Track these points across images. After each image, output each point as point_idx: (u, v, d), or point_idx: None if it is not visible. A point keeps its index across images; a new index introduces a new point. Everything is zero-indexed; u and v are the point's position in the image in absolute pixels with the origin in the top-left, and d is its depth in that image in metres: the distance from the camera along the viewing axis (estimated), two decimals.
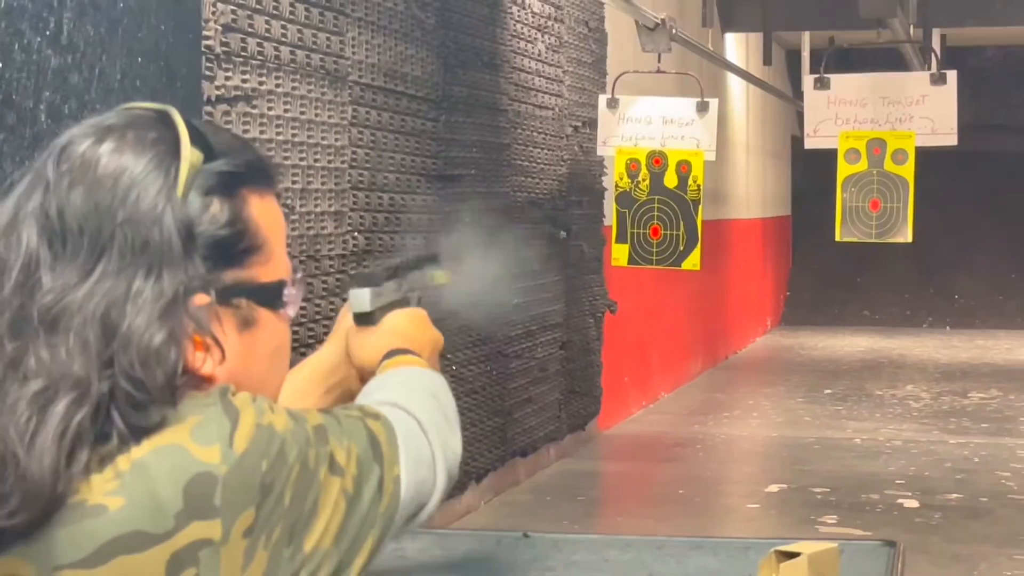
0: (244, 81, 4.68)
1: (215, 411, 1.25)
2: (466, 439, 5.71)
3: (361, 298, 1.78)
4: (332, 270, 5.33)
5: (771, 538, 1.97)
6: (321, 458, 1.29)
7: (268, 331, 1.36)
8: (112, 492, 1.21)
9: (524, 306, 7.60)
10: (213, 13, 4.47)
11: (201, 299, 1.27)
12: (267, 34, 4.83)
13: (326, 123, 5.30)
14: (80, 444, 1.21)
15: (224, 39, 4.53)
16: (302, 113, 5.10)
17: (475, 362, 6.95)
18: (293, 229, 5.02)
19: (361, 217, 5.62)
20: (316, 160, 5.21)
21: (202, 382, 1.28)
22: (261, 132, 4.79)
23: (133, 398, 1.22)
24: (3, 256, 1.27)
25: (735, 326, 14.34)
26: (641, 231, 7.88)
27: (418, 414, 1.48)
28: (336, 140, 5.39)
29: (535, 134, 7.83)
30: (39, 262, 1.25)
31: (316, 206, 5.22)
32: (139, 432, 1.23)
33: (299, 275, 1.41)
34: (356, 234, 5.56)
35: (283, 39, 4.95)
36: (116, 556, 1.21)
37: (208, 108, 4.45)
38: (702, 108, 7.85)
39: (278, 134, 4.91)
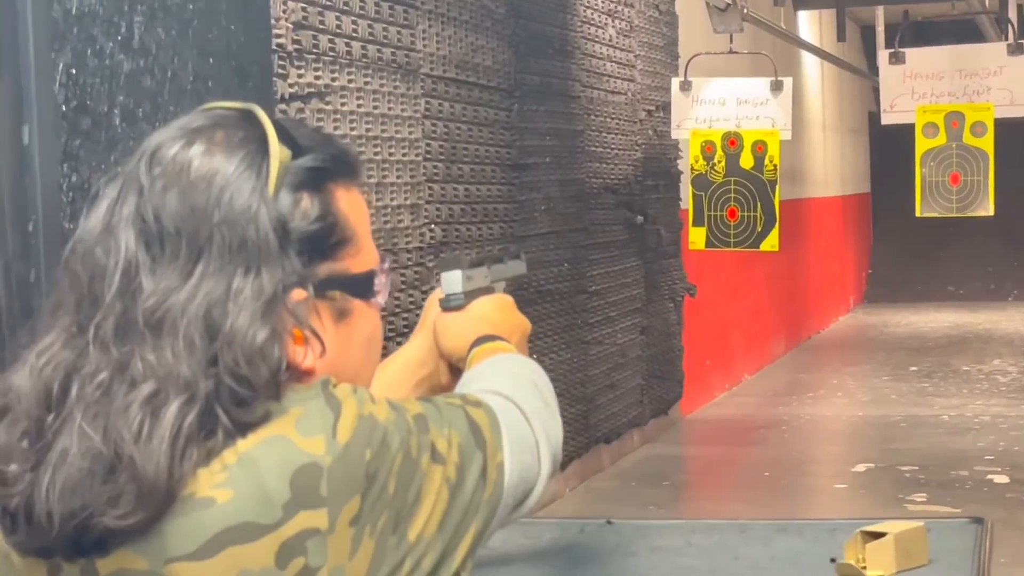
0: (317, 78, 4.70)
1: (318, 403, 1.27)
2: None
3: (453, 280, 1.79)
4: (410, 263, 5.35)
5: (858, 518, 1.96)
6: (423, 447, 1.30)
7: (362, 321, 1.37)
8: (220, 484, 1.24)
9: (602, 292, 7.60)
10: (284, 11, 4.49)
11: (299, 294, 1.30)
12: (338, 30, 4.85)
13: (399, 116, 5.32)
14: (191, 442, 1.24)
15: (296, 36, 4.55)
16: (375, 107, 5.11)
17: (555, 350, 6.95)
18: (371, 224, 5.04)
19: (437, 209, 5.63)
20: (391, 154, 5.23)
21: (303, 375, 1.30)
22: (335, 128, 4.81)
23: (238, 395, 1.25)
24: (102, 262, 1.29)
25: (817, 305, 14.24)
26: (718, 213, 7.85)
27: (519, 401, 1.49)
28: (410, 133, 5.40)
29: (608, 120, 7.81)
30: (139, 266, 1.28)
31: (392, 200, 5.24)
32: (245, 427, 1.25)
33: (387, 264, 1.43)
34: (433, 226, 5.58)
35: (354, 34, 4.97)
36: (227, 547, 1.23)
37: (282, 106, 4.48)
38: (776, 87, 7.80)
39: (352, 129, 4.93)
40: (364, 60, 5.05)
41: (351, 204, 1.37)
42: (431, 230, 5.56)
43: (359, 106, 5.00)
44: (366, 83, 5.06)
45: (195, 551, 1.24)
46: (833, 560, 1.93)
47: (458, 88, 5.87)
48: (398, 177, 5.29)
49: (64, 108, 2.33)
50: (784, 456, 8.19)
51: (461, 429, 1.36)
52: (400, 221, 5.29)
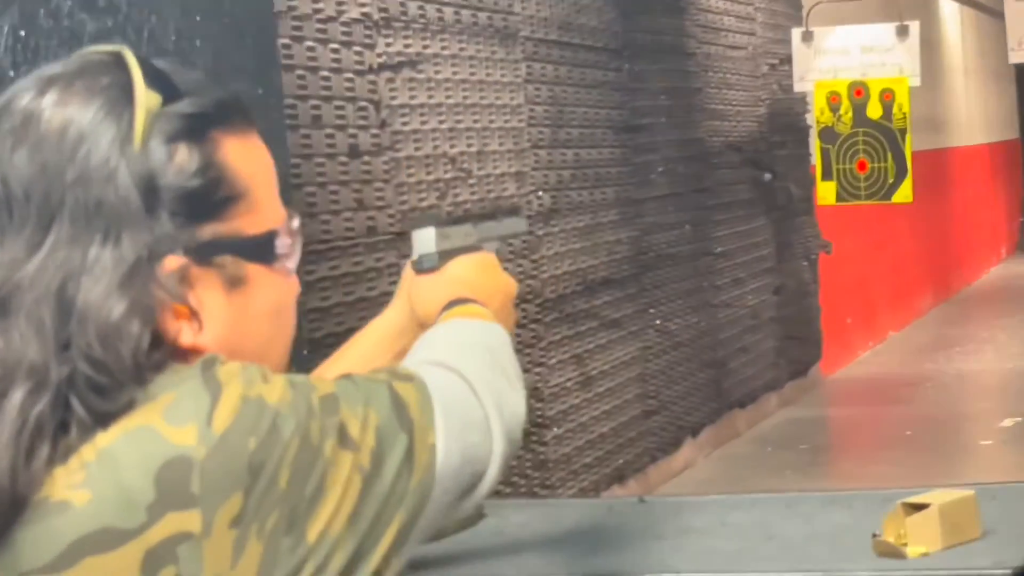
0: (407, 46, 4.58)
1: (192, 386, 1.10)
2: (678, 393, 5.58)
3: (425, 239, 1.63)
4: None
5: (916, 488, 1.77)
6: (327, 431, 1.13)
7: (263, 289, 1.21)
8: (77, 485, 1.08)
9: (730, 253, 7.39)
10: None
11: (173, 261, 1.14)
12: None
13: (499, 82, 5.18)
14: (40, 438, 1.08)
15: (382, 5, 4.44)
16: (472, 74, 4.98)
17: (681, 314, 6.77)
18: (472, 193, 4.92)
19: (545, 176, 5.49)
20: (491, 121, 5.10)
21: (188, 355, 1.14)
22: (430, 97, 4.69)
23: (94, 381, 1.09)
24: None
25: (966, 257, 13.82)
26: (847, 166, 7.59)
27: (466, 371, 1.32)
28: (512, 99, 5.26)
29: (728, 75, 7.59)
30: None
31: (495, 168, 5.10)
32: (104, 417, 1.09)
33: (296, 223, 1.26)
34: (540, 193, 5.43)
35: (446, 0, 4.84)
36: (84, 557, 1.08)
37: (371, 76, 4.37)
38: (902, 32, 7.51)
39: (448, 97, 4.81)
40: (458, 26, 4.92)
41: (245, 155, 1.20)
42: (538, 197, 5.42)
43: (454, 73, 4.87)
44: (461, 49, 4.93)
45: (50, 562, 1.08)
46: (875, 535, 1.74)
47: (562, 50, 5.71)
48: (500, 144, 5.16)
49: (13, 75, 2.21)
50: (928, 414, 7.92)
51: (381, 408, 1.19)
52: (505, 190, 5.16)
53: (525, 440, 1.39)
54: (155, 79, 1.17)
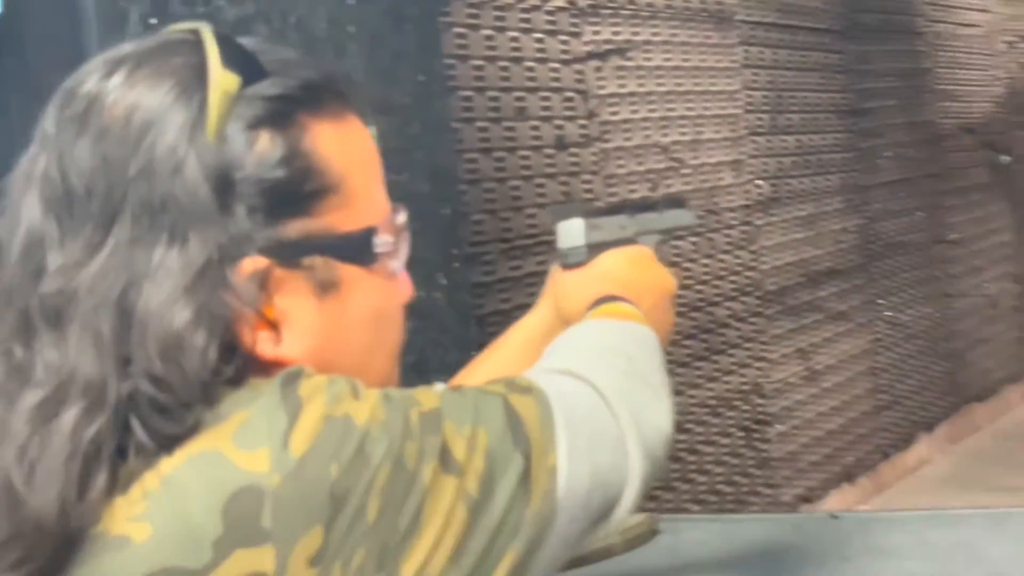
0: (615, 34, 4.45)
1: (267, 403, 0.97)
2: (911, 387, 5.25)
3: (571, 231, 1.49)
4: (735, 223, 5.04)
5: None
6: (426, 453, 0.99)
7: (360, 293, 1.08)
8: (138, 518, 0.96)
9: (965, 240, 7.07)
10: None
11: (251, 264, 1.01)
12: None
13: (714, 68, 5.01)
14: (96, 464, 0.96)
15: None
16: (685, 60, 4.82)
17: (913, 304, 6.49)
18: (686, 183, 4.76)
19: (764, 163, 5.29)
20: (706, 108, 4.93)
21: (272, 368, 1.02)
22: (640, 85, 4.55)
23: (156, 400, 0.97)
24: (5, 241, 1.03)
25: None
26: None
27: (598, 381, 1.17)
28: (728, 85, 5.08)
29: (959, 55, 7.25)
30: (43, 239, 1.01)
31: (711, 156, 4.93)
32: (168, 441, 0.97)
33: (402, 217, 1.13)
34: (759, 181, 5.24)
35: None
36: None
37: (578, 65, 4.25)
38: None
39: (659, 85, 4.66)
40: (669, 11, 4.76)
41: (339, 142, 1.07)
42: (757, 186, 5.23)
43: (666, 60, 4.72)
44: (673, 35, 4.77)
45: None
46: None
47: (780, 33, 5.50)
48: (716, 132, 4.98)
49: None
50: None
51: (492, 425, 1.05)
52: (721, 179, 4.99)
53: (668, 457, 1.23)
54: (235, 58, 1.04)
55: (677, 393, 4.06)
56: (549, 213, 1.54)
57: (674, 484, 4.51)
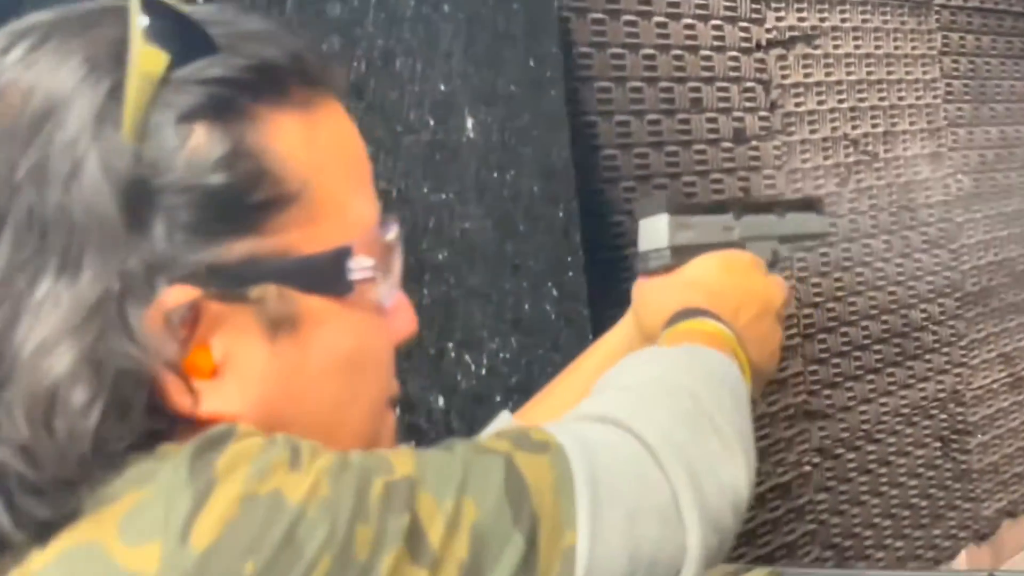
0: (801, 20, 4.21)
1: (169, 480, 0.76)
2: None
3: (655, 230, 1.25)
4: (932, 220, 4.74)
5: None
6: (387, 538, 0.77)
7: (328, 332, 0.86)
8: None
9: None
10: None
11: (176, 295, 0.80)
12: None
13: (909, 55, 4.72)
14: None
15: None
16: (878, 48, 4.55)
17: None
18: (878, 177, 4.49)
19: (964, 157, 4.98)
20: (900, 98, 4.65)
21: (210, 429, 0.81)
22: (827, 74, 4.30)
23: (24, 478, 0.77)
24: None
25: None
26: None
27: (645, 429, 0.93)
28: (924, 73, 4.79)
29: None
30: None
31: (905, 149, 4.65)
32: (42, 529, 0.77)
33: (391, 231, 0.91)
34: (959, 176, 4.93)
35: None
36: None
37: (759, 54, 4.02)
38: None
39: (849, 74, 4.40)
40: None
41: (306, 138, 0.86)
42: (957, 180, 4.92)
43: (856, 47, 4.45)
44: (864, 21, 4.50)
45: None
46: None
47: (983, 18, 5.18)
48: (911, 123, 4.69)
49: None
50: None
51: (485, 496, 0.82)
52: (917, 173, 4.69)
53: (739, 523, 0.98)
54: (167, 30, 0.82)
55: (867, 401, 3.79)
56: (635, 208, 1.31)
57: (863, 498, 4.26)
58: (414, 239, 2.02)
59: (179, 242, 0.80)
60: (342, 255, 0.87)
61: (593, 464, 0.88)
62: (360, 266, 0.88)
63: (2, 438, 0.77)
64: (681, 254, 1.25)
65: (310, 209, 0.85)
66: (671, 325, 1.16)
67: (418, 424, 1.97)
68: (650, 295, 1.26)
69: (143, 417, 0.80)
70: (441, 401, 2.02)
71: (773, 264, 1.35)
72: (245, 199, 0.82)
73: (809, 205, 1.41)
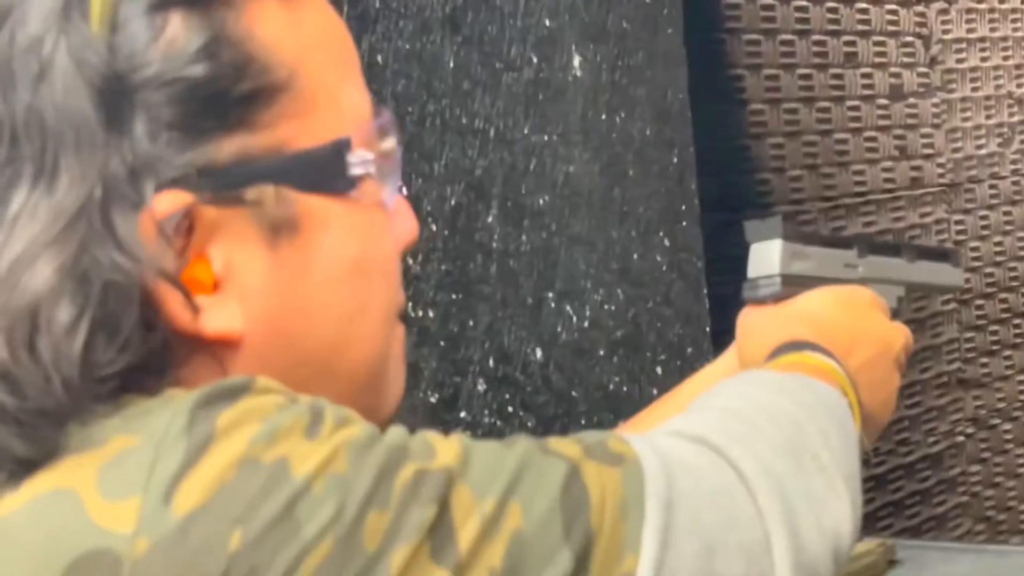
0: None
1: (163, 429, 0.69)
2: None
3: (766, 255, 1.16)
4: None
5: None
6: (404, 530, 0.69)
7: (332, 234, 0.79)
8: None
9: None
10: None
11: (167, 201, 0.73)
12: None
13: None
14: None
15: None
16: None
17: None
18: (1003, 175, 4.30)
19: None
20: None
21: (222, 352, 0.75)
22: (992, 30, 4.15)
23: (3, 406, 0.71)
24: None
25: None
26: None
27: (741, 456, 0.83)
28: None
29: None
30: None
31: None
32: (18, 468, 0.71)
33: (386, 120, 0.83)
34: None
35: None
36: None
37: (919, 7, 3.89)
38: None
39: (1015, 30, 4.24)
40: None
41: (291, 23, 0.79)
42: None
43: None
44: None
45: None
46: None
47: None
48: None
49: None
50: None
51: (537, 502, 0.74)
52: None
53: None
54: None
55: (1002, 378, 3.61)
56: (746, 230, 1.22)
57: (1020, 471, 4.10)
58: (513, 182, 1.96)
59: (163, 142, 0.74)
60: (341, 147, 0.80)
61: (673, 486, 0.79)
62: (360, 159, 0.81)
63: None
64: (794, 284, 1.16)
65: (302, 99, 0.79)
66: (775, 356, 1.06)
67: (513, 376, 1.91)
68: (756, 325, 1.16)
69: (137, 338, 0.74)
70: (539, 353, 1.95)
71: (896, 314, 1.25)
72: (231, 91, 0.76)
73: (944, 255, 1.31)
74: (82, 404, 0.72)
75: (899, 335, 1.17)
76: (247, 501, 0.68)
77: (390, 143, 0.84)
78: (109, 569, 0.67)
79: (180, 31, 0.75)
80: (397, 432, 0.75)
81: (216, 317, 0.76)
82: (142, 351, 0.73)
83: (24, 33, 0.74)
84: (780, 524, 0.81)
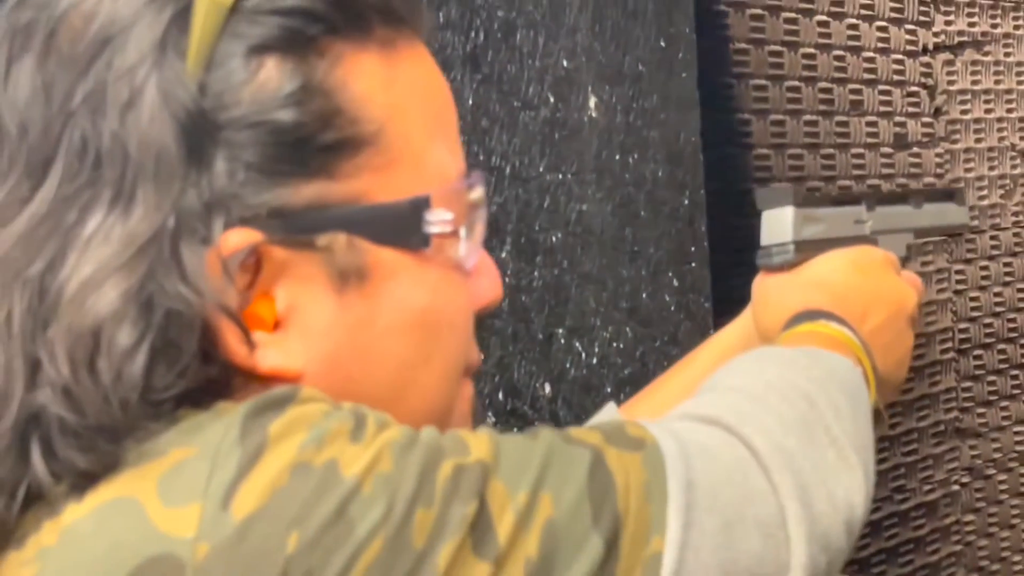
0: (971, 25, 4.08)
1: (219, 439, 0.72)
2: None
3: (778, 223, 1.18)
4: None
5: None
6: (449, 526, 0.72)
7: (400, 287, 0.81)
8: None
9: None
10: None
11: (236, 237, 0.76)
12: None
13: None
14: None
15: None
16: None
17: None
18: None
19: None
20: None
21: (271, 385, 0.77)
22: (996, 82, 4.17)
23: (65, 422, 0.73)
24: None
25: None
26: None
27: (754, 434, 0.86)
28: None
29: None
30: None
31: None
32: (80, 480, 0.73)
33: (476, 188, 0.84)
34: None
35: None
36: None
37: (924, 58, 3.91)
38: None
39: (1020, 83, 4.26)
40: None
41: (387, 80, 0.81)
42: None
43: None
44: None
45: None
46: None
47: None
48: None
49: None
50: None
51: (566, 492, 0.76)
52: None
53: (852, 545, 0.89)
54: None
55: (1022, 421, 3.64)
56: (757, 198, 1.24)
57: (1014, 521, 4.11)
58: (527, 219, 1.98)
59: (242, 181, 0.77)
60: (419, 205, 0.82)
61: (691, 467, 0.82)
62: (438, 219, 0.83)
63: (43, 380, 0.74)
64: (807, 249, 1.19)
65: (386, 154, 0.81)
66: (791, 326, 1.10)
67: (522, 410, 1.93)
68: (771, 293, 1.20)
69: (195, 366, 0.76)
70: (548, 388, 1.97)
71: (907, 259, 1.28)
72: (315, 139, 0.78)
73: (948, 195, 1.33)
74: (139, 423, 0.74)
75: (911, 293, 1.21)
76: (301, 503, 0.71)
77: (477, 200, 0.85)
78: (173, 572, 0.69)
79: (273, 75, 0.78)
80: (430, 430, 0.77)
81: (272, 354, 0.78)
82: (200, 378, 0.76)
83: (121, 61, 0.76)
84: (793, 498, 0.84)
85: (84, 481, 0.73)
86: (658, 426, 0.85)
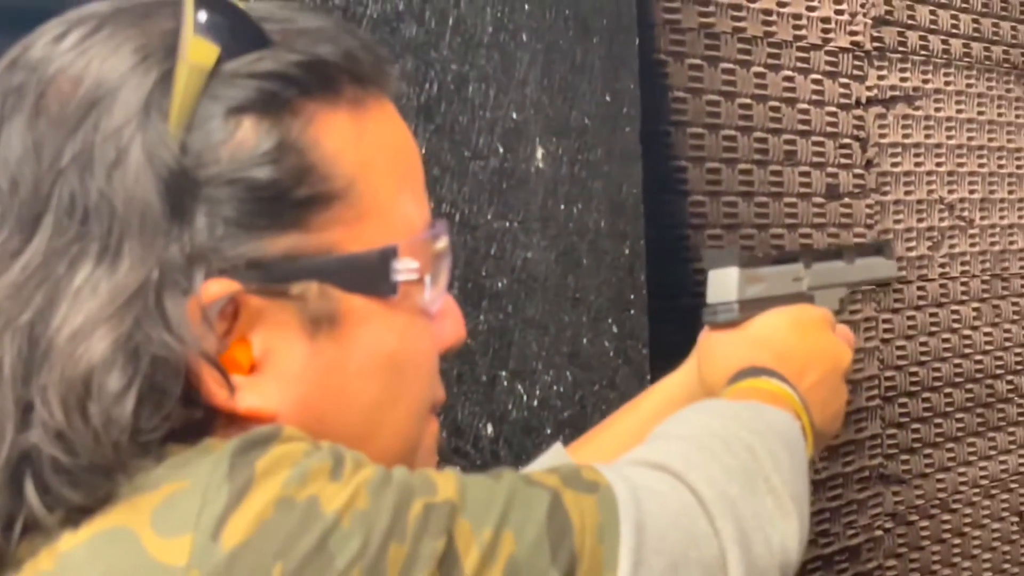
0: (903, 80, 4.17)
1: (208, 475, 0.76)
2: None
3: (724, 282, 1.25)
4: None
5: None
6: (420, 561, 0.77)
7: (369, 332, 0.86)
8: None
9: None
10: (862, 6, 4.01)
11: (215, 288, 0.80)
12: (933, 26, 4.29)
13: (1012, 124, 4.66)
14: None
15: (876, 33, 4.06)
16: (980, 113, 4.50)
17: None
18: (972, 244, 4.43)
19: None
20: (1000, 166, 4.59)
21: (247, 426, 0.81)
22: (927, 136, 4.26)
23: (58, 462, 0.78)
24: None
25: None
26: None
27: (699, 481, 0.93)
28: None
29: None
30: None
31: (1002, 218, 4.58)
32: (74, 513, 0.78)
33: (441, 237, 0.90)
34: None
35: (954, 31, 4.39)
36: None
37: (857, 111, 3.99)
38: None
39: (949, 138, 4.35)
40: (967, 60, 4.45)
41: (357, 137, 0.86)
42: None
43: (959, 111, 4.41)
44: (969, 86, 4.45)
45: None
46: None
47: None
48: (1009, 192, 4.63)
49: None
50: None
51: (526, 531, 0.82)
52: (1012, 242, 4.63)
53: None
54: (220, 24, 0.83)
55: (945, 469, 3.72)
56: (704, 258, 1.31)
57: (935, 568, 4.18)
58: (474, 265, 2.03)
59: (221, 235, 0.81)
60: (387, 255, 0.87)
61: (641, 510, 0.87)
62: (405, 267, 0.88)
63: (36, 423, 0.78)
64: (750, 308, 1.25)
65: (356, 208, 0.86)
66: (735, 381, 1.16)
67: (465, 449, 1.98)
68: (716, 349, 1.26)
69: (180, 408, 0.80)
70: (490, 429, 2.02)
71: (840, 311, 1.35)
72: (290, 194, 0.83)
73: (878, 249, 1.41)
74: (130, 461, 0.78)
75: (846, 350, 1.28)
76: (285, 536, 0.75)
77: (441, 249, 0.91)
78: None
79: (250, 135, 0.82)
80: (401, 470, 0.82)
81: (249, 396, 0.83)
82: (184, 419, 0.80)
83: (108, 123, 0.81)
84: (734, 542, 0.91)
85: (78, 514, 0.77)
86: (612, 470, 0.91)
